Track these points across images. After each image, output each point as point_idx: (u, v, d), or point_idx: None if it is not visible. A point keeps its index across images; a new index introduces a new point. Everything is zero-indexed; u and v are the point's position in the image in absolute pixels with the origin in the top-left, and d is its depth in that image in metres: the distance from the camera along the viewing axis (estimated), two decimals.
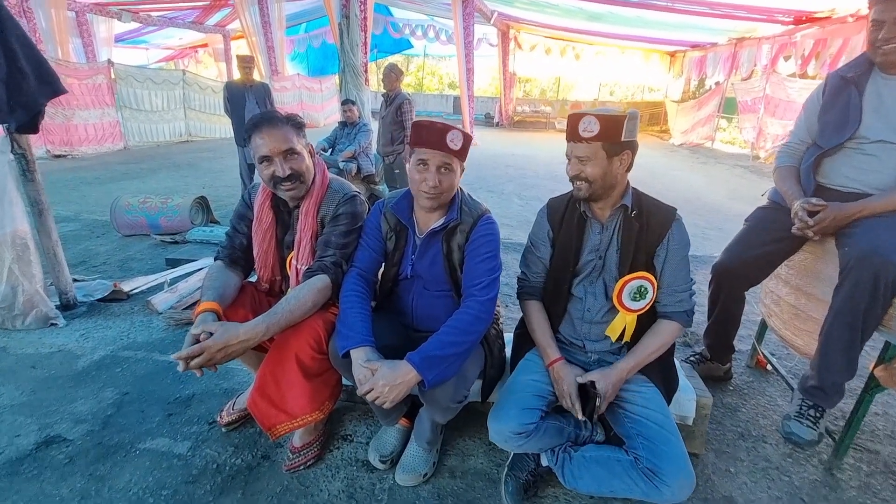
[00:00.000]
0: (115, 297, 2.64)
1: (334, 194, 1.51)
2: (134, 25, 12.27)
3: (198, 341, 1.23)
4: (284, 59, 11.51)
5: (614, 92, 21.57)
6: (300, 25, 15.53)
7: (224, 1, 11.41)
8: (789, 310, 1.76)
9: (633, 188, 1.38)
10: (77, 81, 7.50)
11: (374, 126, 4.77)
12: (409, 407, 1.63)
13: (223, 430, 1.67)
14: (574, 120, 1.28)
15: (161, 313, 2.48)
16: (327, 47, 16.13)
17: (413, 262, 1.46)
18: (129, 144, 8.59)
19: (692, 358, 2.05)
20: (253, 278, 1.63)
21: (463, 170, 1.41)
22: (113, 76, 8.22)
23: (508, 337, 1.68)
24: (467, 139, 1.36)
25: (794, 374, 2.11)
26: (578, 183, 1.32)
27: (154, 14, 12.48)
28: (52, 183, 5.63)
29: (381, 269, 1.57)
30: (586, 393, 1.32)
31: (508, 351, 1.63)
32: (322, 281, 1.40)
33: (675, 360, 1.64)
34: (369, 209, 1.61)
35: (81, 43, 10.76)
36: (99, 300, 2.60)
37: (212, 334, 1.23)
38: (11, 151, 2.14)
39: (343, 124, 4.90)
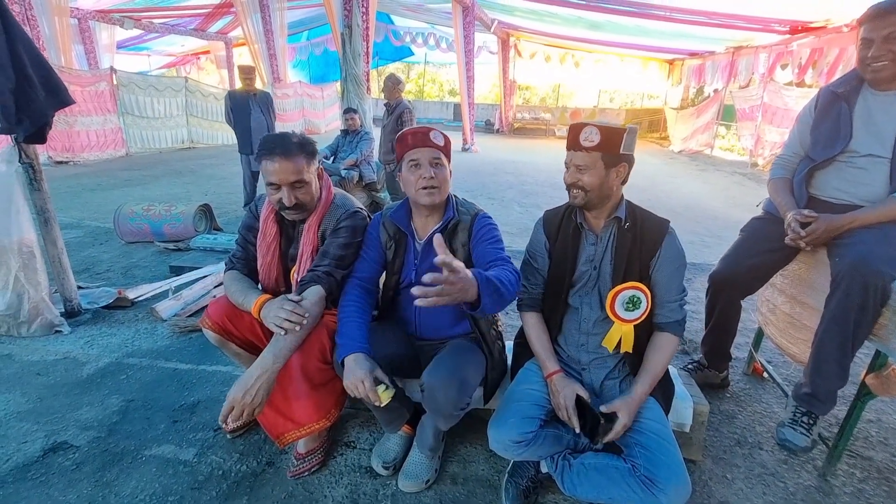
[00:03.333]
0: (120, 305, 2.67)
1: (337, 210, 1.55)
2: (136, 32, 12.37)
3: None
4: (286, 66, 11.60)
5: (614, 99, 21.72)
6: (302, 33, 15.66)
7: (226, 8, 11.51)
8: (784, 318, 1.79)
9: (627, 201, 1.42)
10: (80, 88, 7.56)
11: (376, 134, 4.82)
12: (412, 414, 1.66)
13: (228, 436, 1.70)
14: (576, 129, 1.32)
15: (165, 320, 2.51)
16: (329, 55, 16.26)
17: (417, 267, 1.49)
18: (131, 151, 8.64)
19: (690, 366, 2.08)
20: None
21: (451, 172, 1.47)
22: (115, 83, 8.28)
23: (509, 345, 1.71)
24: (447, 139, 1.45)
25: (790, 381, 2.14)
26: (575, 191, 1.36)
27: (156, 21, 12.59)
28: (55, 190, 5.62)
29: (383, 279, 1.61)
30: (583, 405, 1.35)
31: (508, 358, 1.66)
32: (317, 293, 1.43)
33: (673, 367, 1.67)
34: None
35: (84, 50, 10.87)
36: (103, 307, 2.63)
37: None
38: (19, 161, 2.18)
39: (345, 132, 4.95)
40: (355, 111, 4.97)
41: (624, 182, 1.38)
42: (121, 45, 12.91)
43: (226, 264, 1.64)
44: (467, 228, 1.45)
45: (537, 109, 17.65)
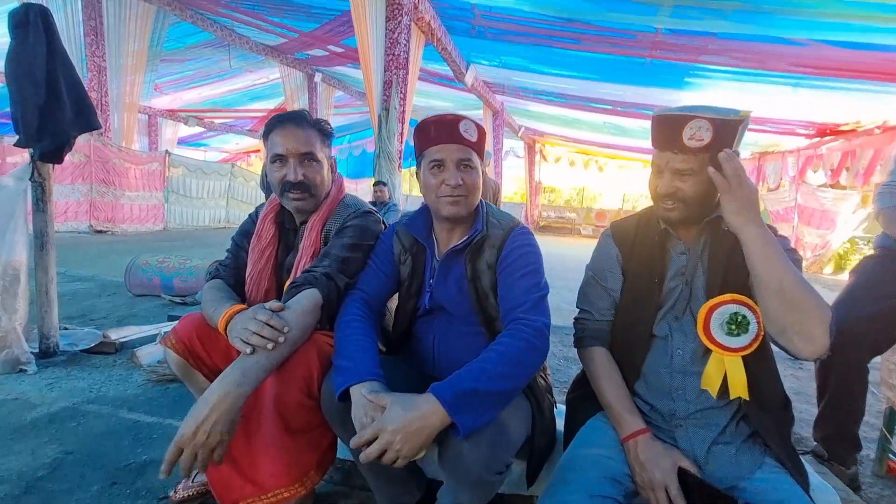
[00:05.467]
0: (102, 350, 2.35)
1: (345, 209, 1.29)
2: (198, 129, 13.79)
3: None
4: None
5: (637, 205, 22.16)
6: (345, 137, 17.22)
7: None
8: None
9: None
10: (134, 166, 8.14)
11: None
12: (423, 493, 1.19)
13: None
14: (673, 122, 0.96)
15: (143, 367, 2.16)
16: (366, 155, 17.63)
17: (431, 289, 1.16)
18: (169, 225, 8.98)
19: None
20: None
21: (485, 174, 1.17)
22: (167, 164, 8.91)
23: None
24: (482, 131, 1.14)
25: None
26: (670, 203, 1.01)
27: (217, 121, 14.08)
28: (84, 251, 5.74)
29: (395, 304, 1.27)
30: (686, 482, 0.90)
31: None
32: (310, 298, 1.09)
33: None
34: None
35: (148, 141, 12.06)
36: (83, 350, 2.32)
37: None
38: (31, 178, 2.07)
39: (374, 204, 4.94)
40: (385, 184, 5.01)
41: None
42: (182, 141, 14.34)
43: (210, 273, 1.34)
44: (497, 246, 1.12)
45: (562, 209, 18.05)
